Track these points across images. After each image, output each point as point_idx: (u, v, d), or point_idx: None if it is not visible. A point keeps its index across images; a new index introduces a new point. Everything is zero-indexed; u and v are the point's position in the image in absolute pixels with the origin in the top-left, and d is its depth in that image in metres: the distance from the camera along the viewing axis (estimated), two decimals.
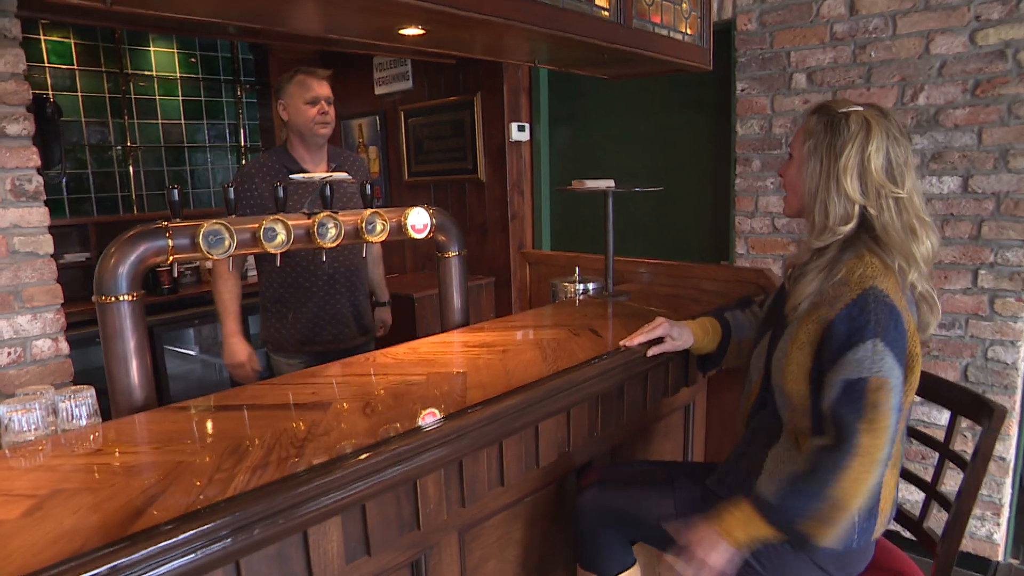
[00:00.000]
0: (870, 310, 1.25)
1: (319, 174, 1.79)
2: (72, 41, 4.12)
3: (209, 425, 1.30)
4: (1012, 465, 2.54)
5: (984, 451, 1.43)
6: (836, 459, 1.21)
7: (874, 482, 1.22)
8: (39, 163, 2.25)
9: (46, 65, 4.01)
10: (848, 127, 1.37)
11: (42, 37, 3.99)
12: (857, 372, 1.22)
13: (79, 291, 3.99)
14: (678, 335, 1.70)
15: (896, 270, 1.31)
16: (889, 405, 1.20)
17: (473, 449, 1.30)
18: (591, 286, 2.42)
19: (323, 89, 2.35)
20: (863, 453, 1.20)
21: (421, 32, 1.69)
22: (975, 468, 1.44)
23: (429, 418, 1.27)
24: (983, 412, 1.45)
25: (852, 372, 1.23)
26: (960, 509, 1.45)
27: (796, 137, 1.47)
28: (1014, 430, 2.52)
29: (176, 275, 4.16)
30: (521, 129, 3.70)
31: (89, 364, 3.59)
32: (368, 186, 1.93)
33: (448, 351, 1.76)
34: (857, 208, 1.36)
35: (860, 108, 1.40)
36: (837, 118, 1.39)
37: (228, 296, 2.32)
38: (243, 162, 5.05)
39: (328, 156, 2.47)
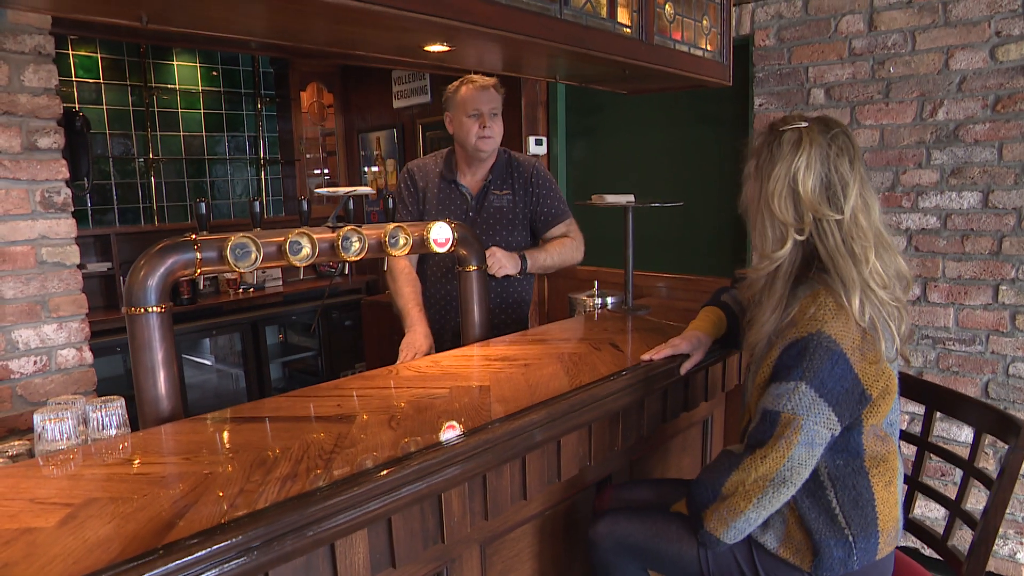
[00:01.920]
0: (808, 354, 1.28)
1: (343, 188, 1.82)
2: (99, 56, 4.21)
3: (236, 437, 1.31)
4: None
5: (1011, 469, 1.42)
6: (732, 463, 1.36)
7: (775, 501, 1.32)
8: (68, 176, 2.30)
9: (74, 79, 4.10)
10: (781, 146, 1.33)
11: (71, 52, 4.08)
12: (774, 404, 1.31)
13: (100, 301, 4.05)
14: (699, 343, 1.72)
15: (847, 304, 1.29)
16: (795, 440, 1.28)
17: (497, 463, 1.31)
18: (610, 300, 2.43)
19: (487, 101, 2.31)
20: (754, 470, 1.31)
21: (445, 49, 1.72)
22: (1002, 486, 1.42)
23: (454, 432, 1.28)
24: (1010, 430, 1.44)
25: (770, 403, 1.32)
26: (987, 528, 1.43)
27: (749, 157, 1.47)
28: None
29: (195, 287, 4.22)
30: (539, 143, 3.72)
31: (108, 373, 3.64)
32: (390, 200, 1.96)
33: (470, 365, 1.77)
34: (791, 232, 1.33)
35: (802, 125, 1.35)
36: (774, 137, 1.36)
37: (408, 289, 2.33)
38: (262, 175, 5.11)
39: (492, 169, 2.43)
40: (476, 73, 2.34)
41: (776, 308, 1.37)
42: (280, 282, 4.88)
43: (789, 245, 1.34)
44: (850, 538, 1.33)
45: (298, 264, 1.64)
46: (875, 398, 1.31)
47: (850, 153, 1.34)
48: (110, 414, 1.31)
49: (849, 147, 1.35)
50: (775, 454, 1.29)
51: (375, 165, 5.11)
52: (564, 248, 2.47)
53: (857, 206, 1.32)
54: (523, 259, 2.36)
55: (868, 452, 1.35)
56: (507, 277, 2.37)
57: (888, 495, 1.36)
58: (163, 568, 0.86)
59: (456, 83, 2.38)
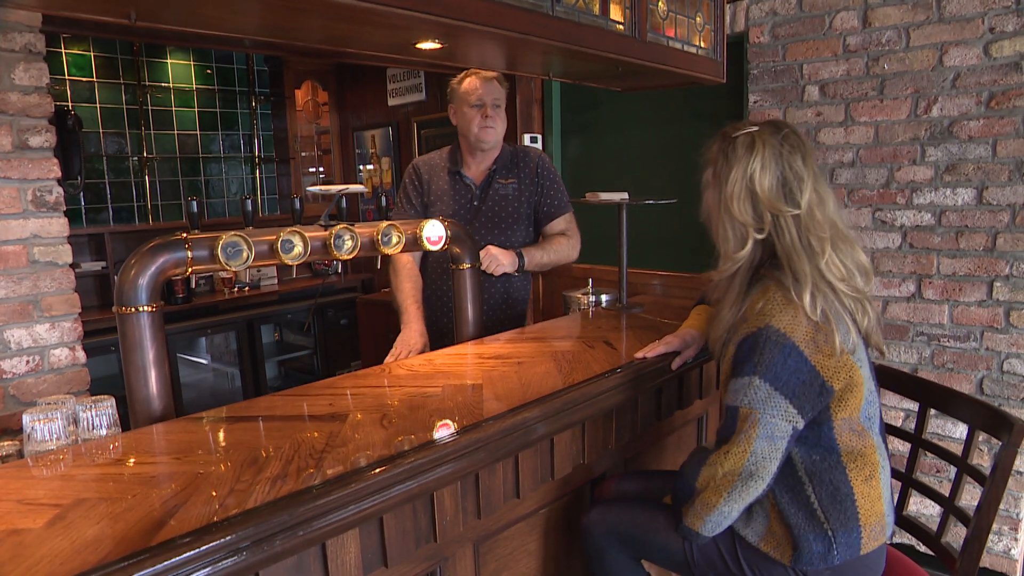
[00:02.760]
0: (759, 348, 1.31)
1: (335, 187, 1.81)
2: (92, 54, 4.19)
3: (228, 436, 1.31)
4: None
5: (1004, 465, 1.42)
6: (702, 458, 1.39)
7: (746, 495, 1.33)
8: (60, 174, 2.28)
9: (67, 78, 4.08)
10: (735, 151, 1.38)
11: (63, 50, 4.06)
12: (732, 400, 1.34)
13: (94, 300, 4.04)
14: (691, 340, 1.73)
15: (797, 299, 1.31)
16: (754, 434, 1.31)
17: (490, 461, 1.31)
18: (604, 298, 2.43)
19: (489, 92, 2.32)
20: (720, 466, 1.34)
21: (437, 46, 1.71)
22: (994, 483, 1.43)
23: (446, 430, 1.27)
24: (1003, 427, 1.45)
25: (730, 399, 1.35)
26: (979, 524, 1.44)
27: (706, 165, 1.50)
28: None
29: (188, 285, 4.20)
30: (533, 140, 3.72)
31: (103, 372, 3.63)
32: (384, 198, 1.95)
33: (463, 363, 1.76)
34: (751, 232, 1.37)
35: (753, 129, 1.40)
36: (728, 143, 1.40)
37: (408, 284, 2.35)
38: (257, 173, 5.10)
39: (496, 160, 2.43)
40: (462, 70, 2.35)
41: (733, 305, 1.40)
42: (275, 281, 4.87)
43: (750, 245, 1.38)
44: (829, 532, 1.34)
45: (290, 263, 1.64)
46: (839, 391, 1.32)
47: (802, 150, 1.39)
48: (100, 414, 1.30)
49: (800, 145, 1.39)
50: (737, 449, 1.32)
51: (370, 163, 5.10)
52: (561, 246, 2.47)
53: (812, 200, 1.36)
54: (520, 256, 2.36)
55: (844, 447, 1.35)
56: (505, 274, 2.37)
57: (869, 489, 1.36)
58: (152, 568, 0.85)
59: (460, 76, 2.39)
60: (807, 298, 1.30)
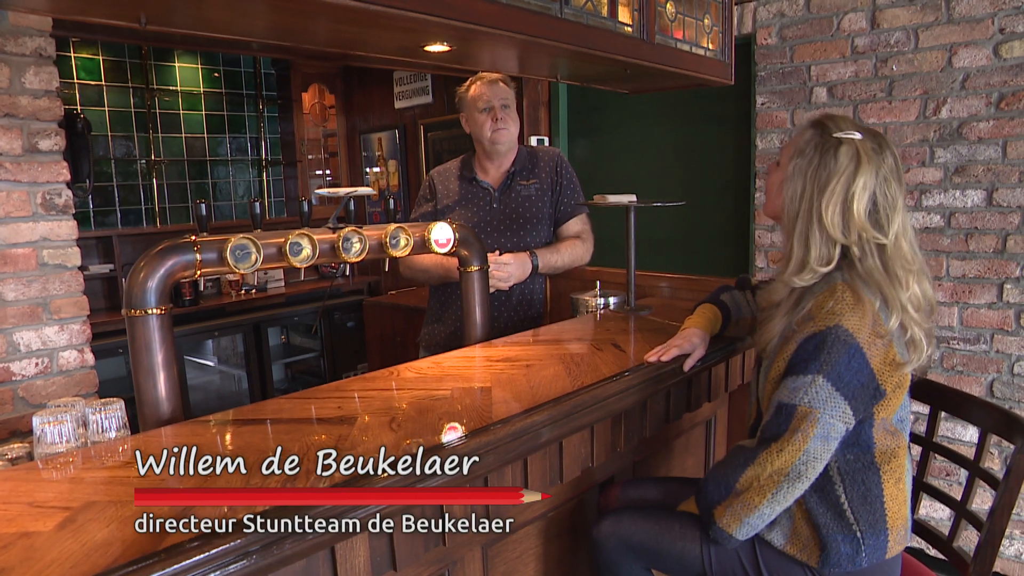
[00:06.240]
0: (826, 347, 1.28)
1: (344, 189, 1.82)
2: (101, 58, 4.22)
3: (236, 439, 1.31)
4: None
5: (1018, 469, 1.41)
6: (747, 458, 1.34)
7: (789, 496, 1.30)
8: (69, 178, 2.30)
9: (75, 81, 4.10)
10: (837, 158, 1.32)
11: (72, 54, 4.08)
12: (790, 398, 1.30)
13: (102, 303, 4.06)
14: (700, 341, 1.72)
15: (869, 302, 1.29)
16: (811, 433, 1.27)
17: (498, 465, 1.30)
18: (612, 300, 2.42)
19: (496, 95, 2.32)
20: (769, 465, 1.30)
21: (446, 49, 1.71)
22: (1008, 487, 1.41)
23: (455, 434, 1.27)
24: (1016, 430, 1.43)
25: (786, 396, 1.31)
26: (993, 529, 1.42)
27: (787, 145, 1.44)
28: None
29: (196, 288, 4.22)
30: (540, 143, 3.71)
31: (111, 375, 3.64)
32: (391, 200, 1.95)
33: (471, 366, 1.76)
34: (838, 248, 1.33)
35: (857, 137, 1.34)
36: (829, 144, 1.34)
37: (428, 261, 2.29)
38: (264, 176, 5.12)
39: (515, 161, 2.43)
40: (469, 73, 2.34)
41: (792, 307, 1.37)
42: (282, 283, 4.88)
43: (836, 261, 1.34)
44: (858, 534, 1.33)
45: (298, 265, 1.64)
46: (888, 393, 1.32)
47: (897, 175, 1.35)
48: (109, 416, 1.31)
49: (896, 169, 1.35)
50: (791, 447, 1.28)
51: (377, 166, 5.10)
52: (575, 249, 2.47)
53: (899, 230, 1.33)
54: (534, 258, 2.34)
55: (878, 447, 1.35)
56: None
57: (897, 492, 1.36)
58: (162, 571, 0.85)
59: (466, 83, 2.39)
60: (894, 320, 1.29)
